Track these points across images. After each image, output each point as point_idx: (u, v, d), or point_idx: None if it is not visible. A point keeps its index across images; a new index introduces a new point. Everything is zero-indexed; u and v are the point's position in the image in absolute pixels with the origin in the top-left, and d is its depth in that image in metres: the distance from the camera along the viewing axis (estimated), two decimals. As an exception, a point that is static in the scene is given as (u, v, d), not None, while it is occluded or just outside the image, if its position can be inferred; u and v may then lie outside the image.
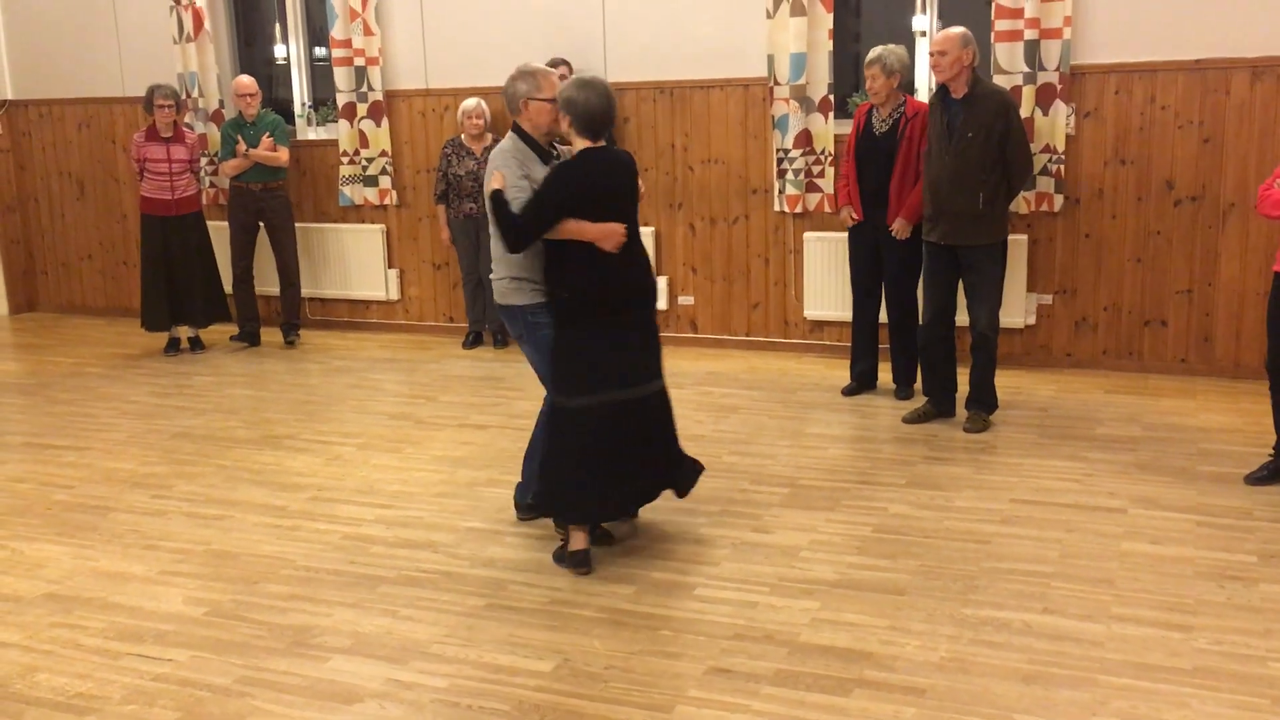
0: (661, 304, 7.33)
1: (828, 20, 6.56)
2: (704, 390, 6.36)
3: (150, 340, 7.85)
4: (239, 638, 3.61)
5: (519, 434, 5.62)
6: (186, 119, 7.87)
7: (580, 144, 4.02)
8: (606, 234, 3.94)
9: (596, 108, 3.93)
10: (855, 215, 5.92)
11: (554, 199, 3.92)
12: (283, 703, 3.21)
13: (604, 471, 4.02)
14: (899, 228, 5.72)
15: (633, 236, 4.04)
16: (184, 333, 7.70)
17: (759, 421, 5.75)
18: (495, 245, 4.11)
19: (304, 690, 3.28)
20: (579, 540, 4.04)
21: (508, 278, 4.12)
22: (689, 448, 5.29)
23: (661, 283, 7.31)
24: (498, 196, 3.97)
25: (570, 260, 3.98)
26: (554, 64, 6.93)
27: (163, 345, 7.70)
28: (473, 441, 5.56)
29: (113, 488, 5.05)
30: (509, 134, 4.15)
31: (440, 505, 4.72)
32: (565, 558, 4.05)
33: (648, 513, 4.49)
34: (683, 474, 4.29)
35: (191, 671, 3.40)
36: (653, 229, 7.25)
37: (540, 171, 4.04)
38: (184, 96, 7.89)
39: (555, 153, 4.19)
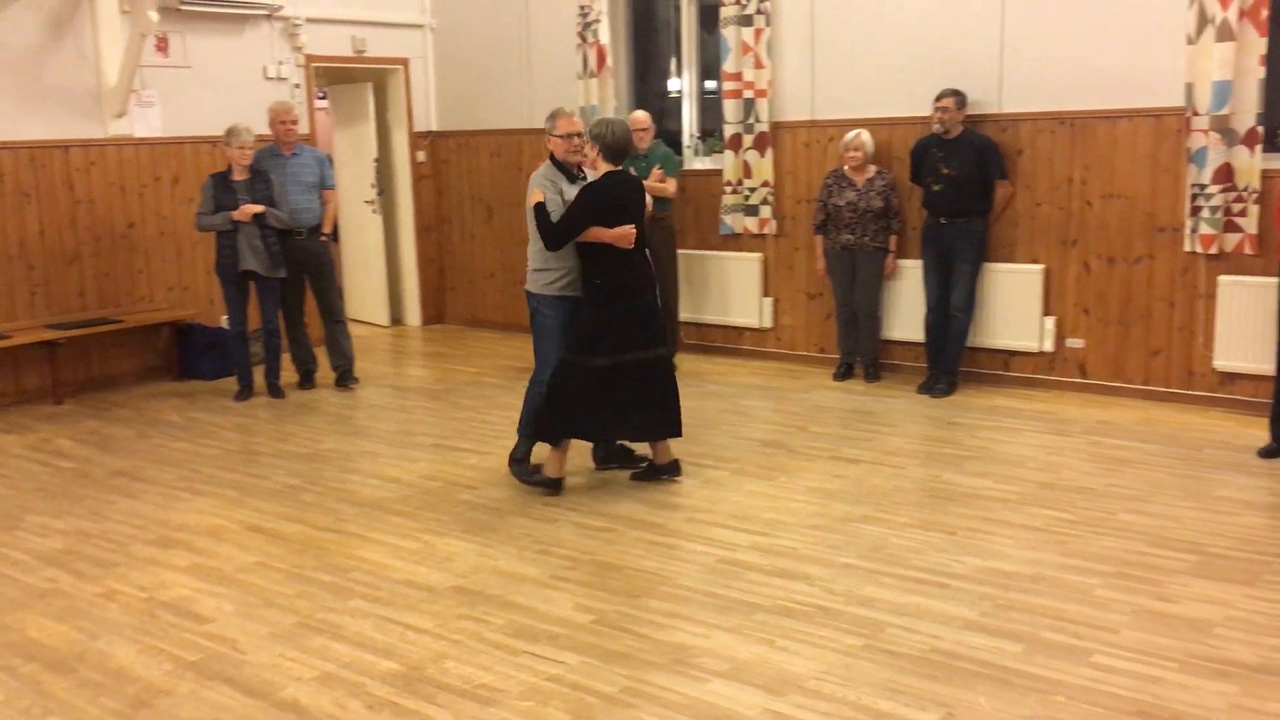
0: (1047, 345, 6.96)
1: (1260, 45, 5.98)
2: (1093, 440, 5.95)
3: (540, 355, 8.39)
4: (623, 648, 3.75)
5: (893, 471, 5.52)
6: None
7: (604, 168, 5.12)
8: (621, 235, 5.09)
9: (620, 139, 5.08)
10: None
11: (583, 211, 5.06)
12: (666, 719, 3.30)
13: (604, 407, 5.21)
14: None
15: (639, 238, 5.17)
16: (571, 350, 8.16)
17: (1156, 478, 5.31)
18: (531, 245, 5.28)
19: (685, 709, 3.34)
20: (555, 468, 5.28)
21: (532, 269, 5.34)
22: (1075, 500, 5.01)
23: (1049, 323, 6.93)
24: (540, 208, 5.10)
25: (601, 257, 5.14)
26: (942, 96, 6.78)
27: (551, 361, 8.22)
28: (846, 475, 5.50)
29: (508, 491, 5.42)
30: (546, 160, 5.31)
31: (814, 538, 4.70)
32: (539, 480, 5.33)
33: (1033, 566, 4.27)
34: (664, 430, 5.37)
35: (581, 676, 3.57)
36: (1042, 266, 6.90)
37: (569, 188, 5.21)
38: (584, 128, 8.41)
39: (581, 175, 5.30)
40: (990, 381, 7.19)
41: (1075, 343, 6.90)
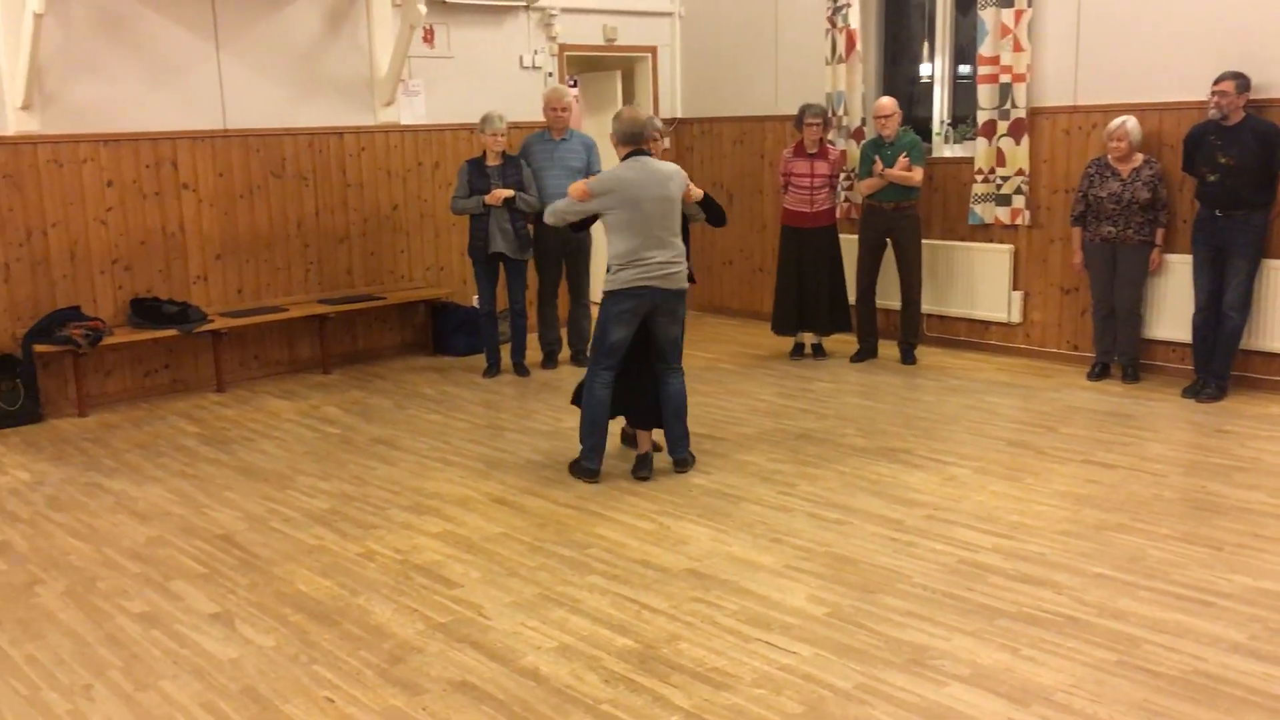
0: (1334, 351, 6.37)
1: None
2: (1387, 457, 5.41)
3: (777, 343, 8.36)
4: (858, 644, 3.68)
5: (1153, 479, 5.20)
6: (830, 136, 8.25)
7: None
8: None
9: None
10: None
11: None
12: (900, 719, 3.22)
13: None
14: None
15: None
16: (808, 339, 8.09)
17: None
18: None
19: (922, 711, 3.26)
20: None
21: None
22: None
23: (1337, 326, 6.35)
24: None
25: None
26: (1221, 79, 6.29)
27: (788, 349, 8.17)
28: (1099, 480, 5.22)
29: (744, 479, 5.42)
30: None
31: (1063, 544, 4.48)
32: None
33: (1315, 592, 3.92)
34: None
35: (814, 668, 3.53)
36: (1332, 264, 6.32)
37: None
38: (830, 114, 8.30)
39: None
40: (1266, 388, 6.65)
41: (1368, 349, 6.28)
